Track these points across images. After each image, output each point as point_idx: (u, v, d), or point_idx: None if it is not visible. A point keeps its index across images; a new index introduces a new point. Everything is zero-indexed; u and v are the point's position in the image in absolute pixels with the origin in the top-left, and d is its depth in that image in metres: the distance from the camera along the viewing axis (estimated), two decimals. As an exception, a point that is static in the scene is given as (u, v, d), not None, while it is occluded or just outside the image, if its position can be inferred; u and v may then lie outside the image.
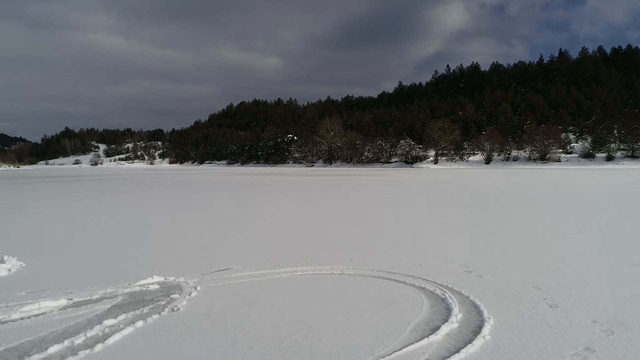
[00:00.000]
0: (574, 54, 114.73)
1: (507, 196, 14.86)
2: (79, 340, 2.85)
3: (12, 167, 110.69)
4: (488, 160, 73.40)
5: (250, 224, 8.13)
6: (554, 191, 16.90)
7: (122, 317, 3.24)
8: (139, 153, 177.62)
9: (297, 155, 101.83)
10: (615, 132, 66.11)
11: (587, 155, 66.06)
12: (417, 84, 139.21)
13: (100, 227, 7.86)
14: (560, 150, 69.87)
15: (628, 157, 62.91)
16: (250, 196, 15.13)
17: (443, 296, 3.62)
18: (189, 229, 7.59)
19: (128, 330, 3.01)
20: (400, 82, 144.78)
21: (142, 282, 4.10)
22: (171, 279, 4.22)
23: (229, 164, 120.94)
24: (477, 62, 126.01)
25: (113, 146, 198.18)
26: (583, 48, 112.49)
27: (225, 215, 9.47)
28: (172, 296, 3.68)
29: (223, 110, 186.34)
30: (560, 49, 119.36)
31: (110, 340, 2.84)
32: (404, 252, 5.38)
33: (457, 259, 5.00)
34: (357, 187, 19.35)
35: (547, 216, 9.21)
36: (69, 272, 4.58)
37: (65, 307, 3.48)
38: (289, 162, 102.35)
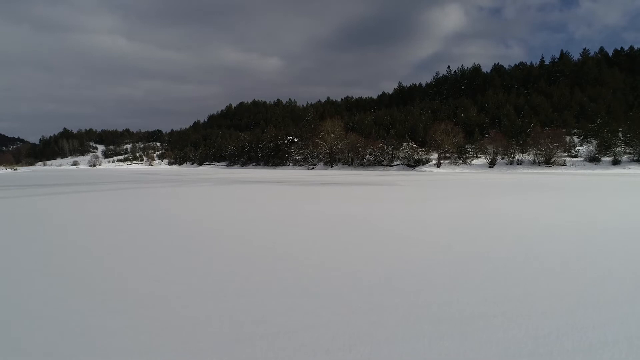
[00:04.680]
0: (574, 55, 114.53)
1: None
2: None
3: (8, 170, 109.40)
4: (492, 164, 72.60)
5: (287, 272, 5.07)
6: None
7: None
8: (137, 154, 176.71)
9: (297, 157, 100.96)
10: (621, 135, 65.45)
11: (593, 159, 65.36)
12: (417, 84, 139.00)
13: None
14: (566, 154, 69.17)
15: (634, 161, 62.22)
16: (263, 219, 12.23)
17: None
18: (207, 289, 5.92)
19: None
20: (400, 83, 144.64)
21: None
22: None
23: (229, 165, 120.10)
24: (478, 64, 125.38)
25: (111, 147, 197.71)
26: (585, 49, 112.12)
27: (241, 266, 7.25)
28: None
29: (222, 110, 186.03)
30: (562, 50, 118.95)
31: None
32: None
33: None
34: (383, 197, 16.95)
35: None
36: None
37: None
38: (289, 165, 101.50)
